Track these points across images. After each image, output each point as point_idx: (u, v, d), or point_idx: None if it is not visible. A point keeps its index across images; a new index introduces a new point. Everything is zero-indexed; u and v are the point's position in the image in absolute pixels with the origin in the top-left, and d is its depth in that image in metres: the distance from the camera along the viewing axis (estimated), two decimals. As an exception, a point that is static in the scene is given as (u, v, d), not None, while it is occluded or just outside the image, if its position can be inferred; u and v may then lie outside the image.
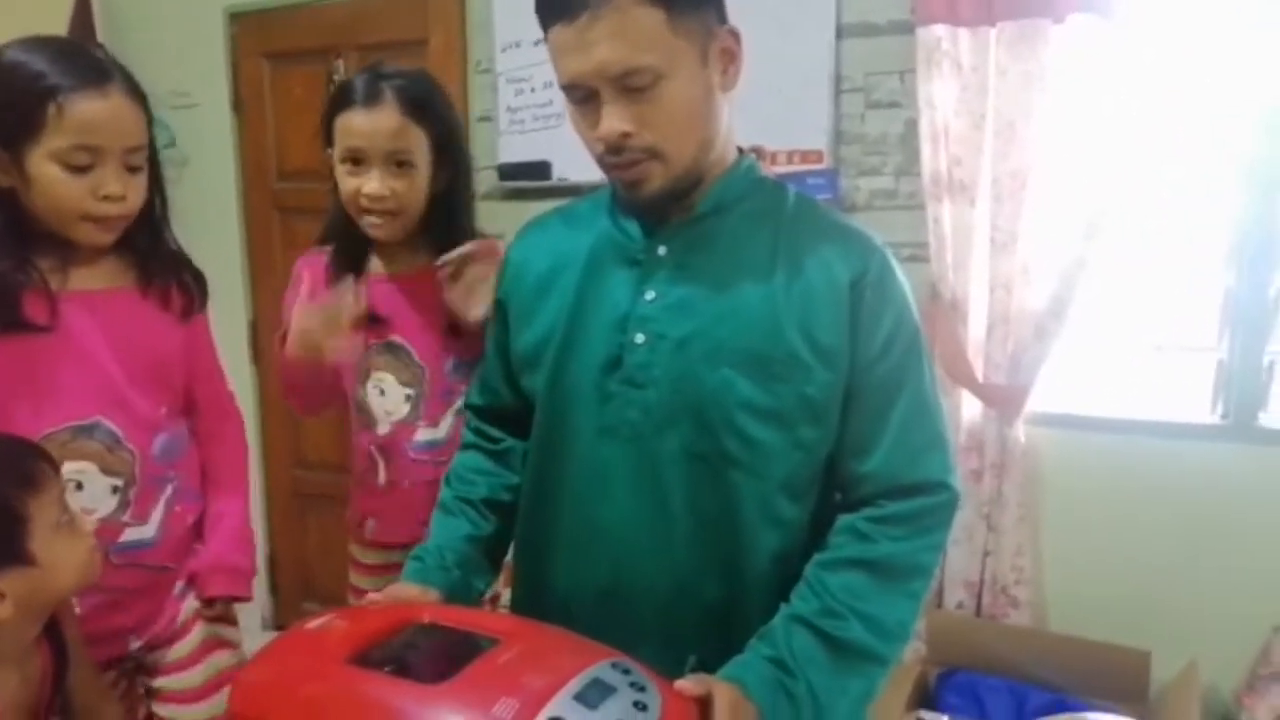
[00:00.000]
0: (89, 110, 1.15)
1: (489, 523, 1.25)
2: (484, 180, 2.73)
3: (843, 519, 1.09)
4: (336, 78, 2.86)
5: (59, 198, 1.17)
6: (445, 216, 1.49)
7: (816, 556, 1.07)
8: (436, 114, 1.44)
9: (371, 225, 1.45)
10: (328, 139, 1.45)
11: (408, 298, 1.50)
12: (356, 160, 1.41)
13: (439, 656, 0.93)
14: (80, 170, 1.17)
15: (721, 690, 0.96)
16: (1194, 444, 2.10)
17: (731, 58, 1.06)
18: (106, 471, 1.23)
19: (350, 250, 1.52)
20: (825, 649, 1.02)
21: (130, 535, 1.26)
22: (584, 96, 1.02)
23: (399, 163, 1.41)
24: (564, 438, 1.15)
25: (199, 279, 1.37)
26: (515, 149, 2.63)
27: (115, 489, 1.24)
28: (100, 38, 3.18)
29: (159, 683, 1.35)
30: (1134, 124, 1.97)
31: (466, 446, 1.32)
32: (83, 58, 1.19)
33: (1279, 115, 1.94)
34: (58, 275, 1.22)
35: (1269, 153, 1.98)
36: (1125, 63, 1.95)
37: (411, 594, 1.11)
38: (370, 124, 1.39)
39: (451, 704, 0.85)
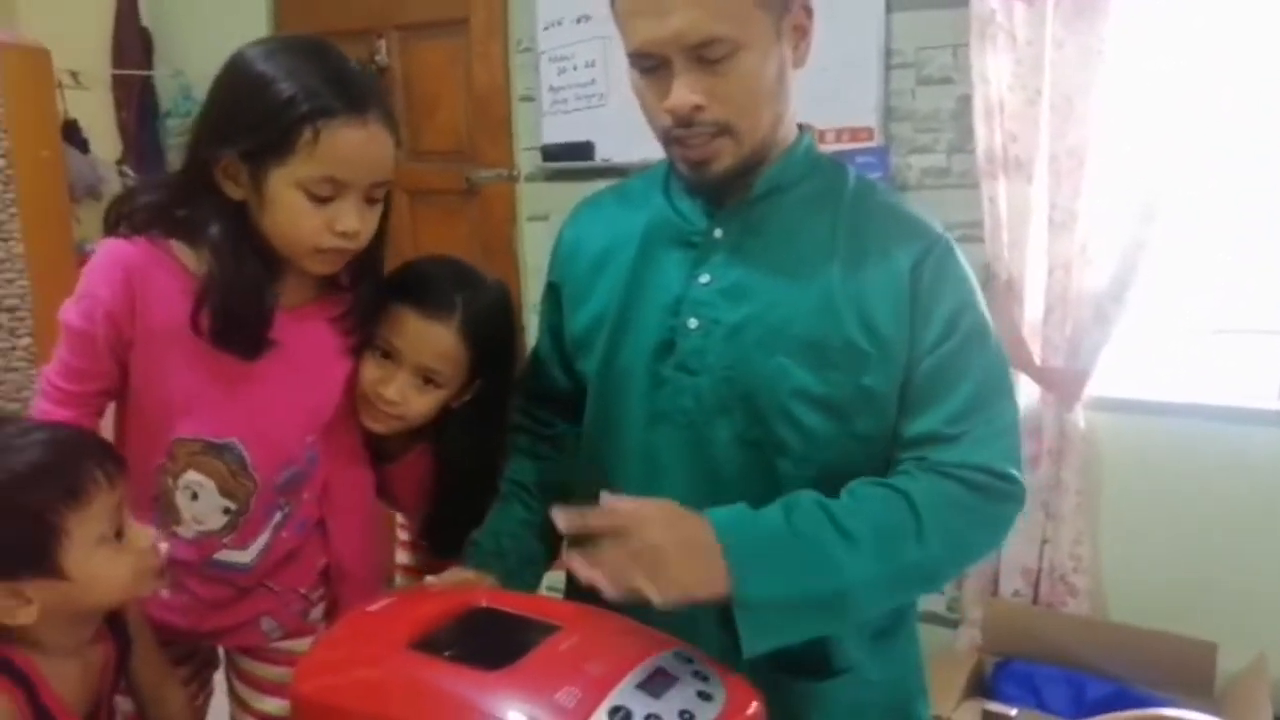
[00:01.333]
0: (347, 143, 1.05)
1: (542, 506, 1.22)
2: (527, 161, 2.72)
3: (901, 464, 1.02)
4: (378, 58, 2.86)
5: (295, 227, 1.08)
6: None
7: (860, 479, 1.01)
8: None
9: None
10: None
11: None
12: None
13: (500, 643, 0.91)
14: (322, 201, 1.07)
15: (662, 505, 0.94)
16: (1259, 429, 2.03)
17: (804, 34, 1.02)
18: (224, 493, 1.19)
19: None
20: (829, 520, 0.95)
21: (226, 556, 1.22)
22: (654, 65, 0.98)
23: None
24: (616, 423, 1.13)
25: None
26: (558, 129, 2.60)
27: (227, 510, 1.20)
28: (144, 16, 3.21)
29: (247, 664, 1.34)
30: (1197, 99, 1.90)
31: (516, 429, 1.29)
32: (347, 80, 1.08)
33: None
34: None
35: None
36: (1188, 35, 1.88)
37: (468, 578, 1.09)
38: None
39: (513, 691, 0.83)
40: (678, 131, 1.00)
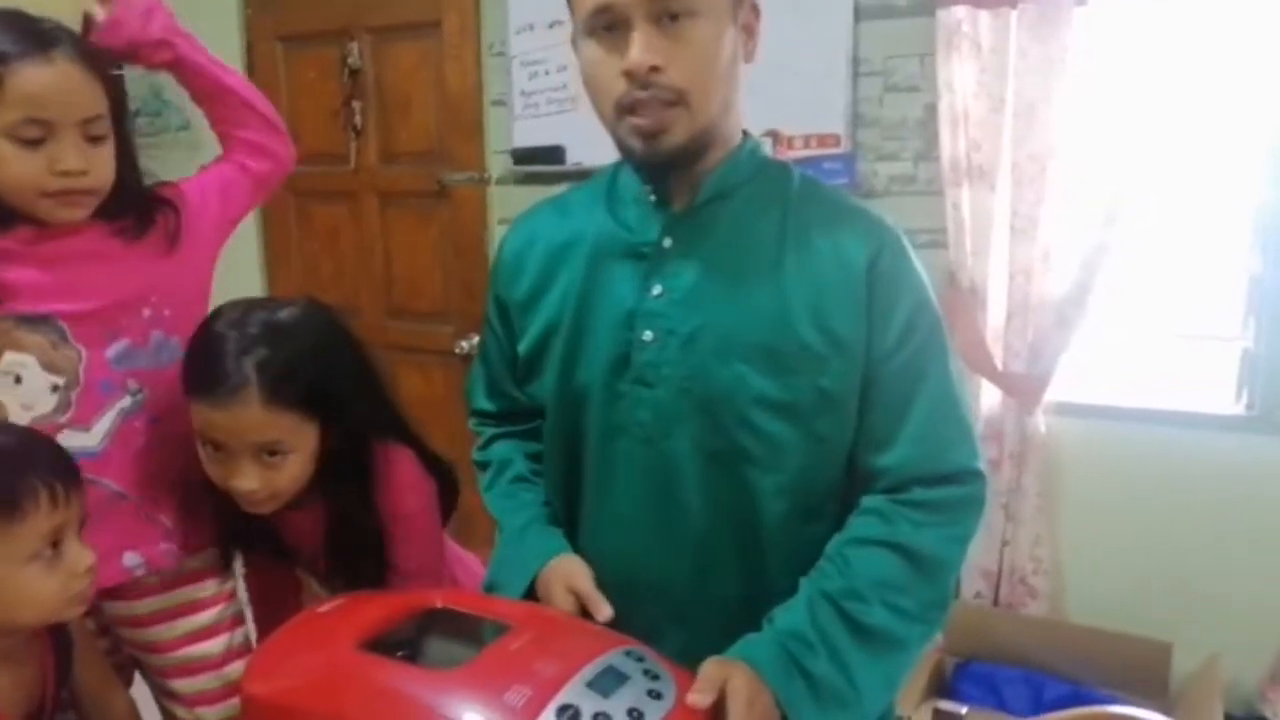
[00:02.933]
0: (34, 80, 1.07)
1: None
2: (498, 164, 2.72)
3: (867, 500, 1.05)
4: (350, 60, 2.85)
5: (14, 176, 1.10)
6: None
7: (841, 534, 1.04)
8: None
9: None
10: None
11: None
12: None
13: (451, 643, 0.92)
14: (33, 144, 1.09)
15: (737, 679, 0.92)
16: (1218, 435, 2.07)
17: (751, 32, 1.03)
18: (47, 367, 1.16)
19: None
20: (848, 629, 0.98)
21: (69, 439, 1.16)
22: (611, 23, 0.97)
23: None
24: (574, 439, 1.12)
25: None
26: (529, 133, 2.61)
27: (55, 387, 1.17)
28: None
29: (170, 657, 1.31)
30: (1156, 107, 1.94)
31: (492, 440, 1.27)
32: (23, 25, 1.11)
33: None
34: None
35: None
36: (1148, 45, 1.91)
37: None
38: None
39: (463, 691, 0.84)
40: (634, 95, 0.98)
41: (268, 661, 0.97)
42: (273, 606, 1.37)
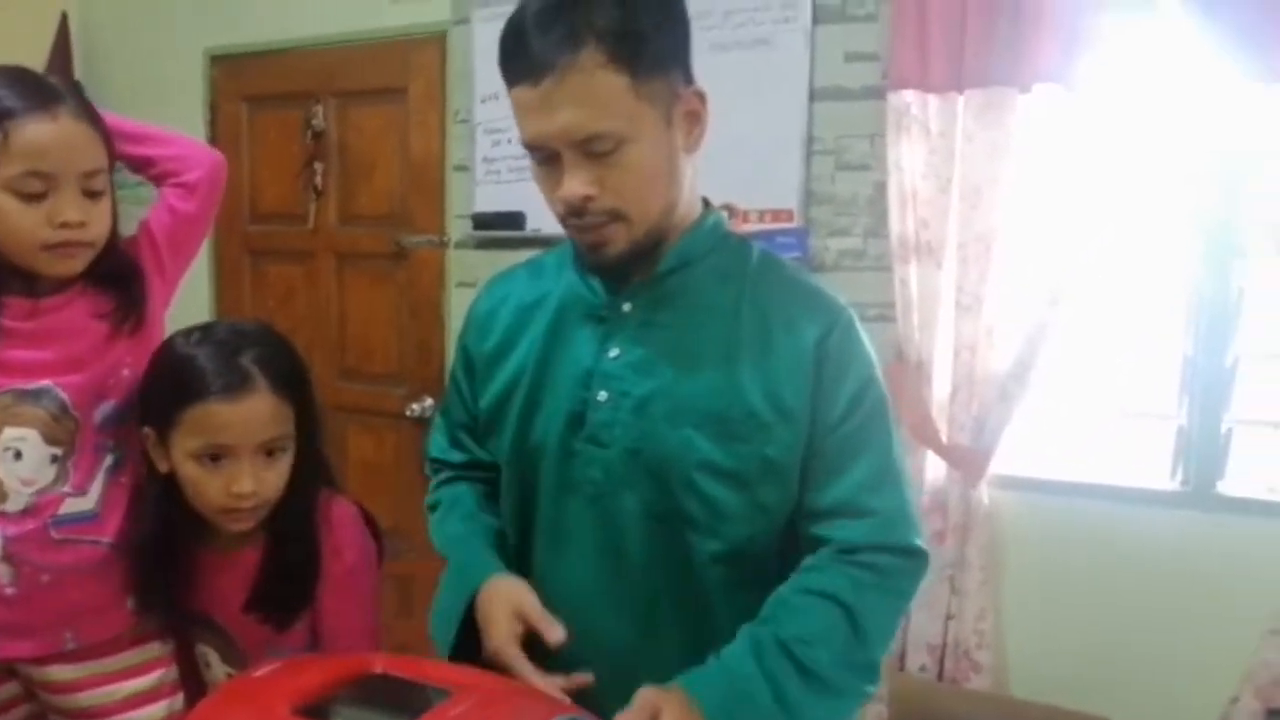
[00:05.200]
0: (37, 134, 1.11)
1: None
2: (458, 228, 2.74)
3: (812, 558, 1.06)
4: (314, 122, 2.88)
5: (15, 229, 1.14)
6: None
7: (785, 584, 1.05)
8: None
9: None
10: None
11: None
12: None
13: (387, 709, 0.91)
14: (35, 199, 1.13)
15: (669, 710, 0.92)
16: (1154, 510, 2.11)
17: (696, 119, 1.05)
18: (49, 440, 1.18)
19: None
20: (795, 671, 0.98)
21: (70, 508, 1.19)
22: (546, 157, 1.00)
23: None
24: (529, 494, 1.14)
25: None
26: (490, 199, 2.64)
27: (55, 458, 1.19)
28: (78, 77, 3.19)
29: (79, 698, 1.26)
30: (1096, 192, 2.02)
31: (446, 482, 1.28)
32: (28, 82, 1.15)
33: (1234, 186, 1.99)
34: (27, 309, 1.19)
35: (1224, 221, 2.03)
36: (1088, 131, 2.00)
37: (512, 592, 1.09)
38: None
39: (398, 759, 0.83)
40: (572, 220, 1.02)
41: None
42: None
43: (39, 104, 1.13)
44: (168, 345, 1.22)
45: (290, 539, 1.23)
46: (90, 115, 1.18)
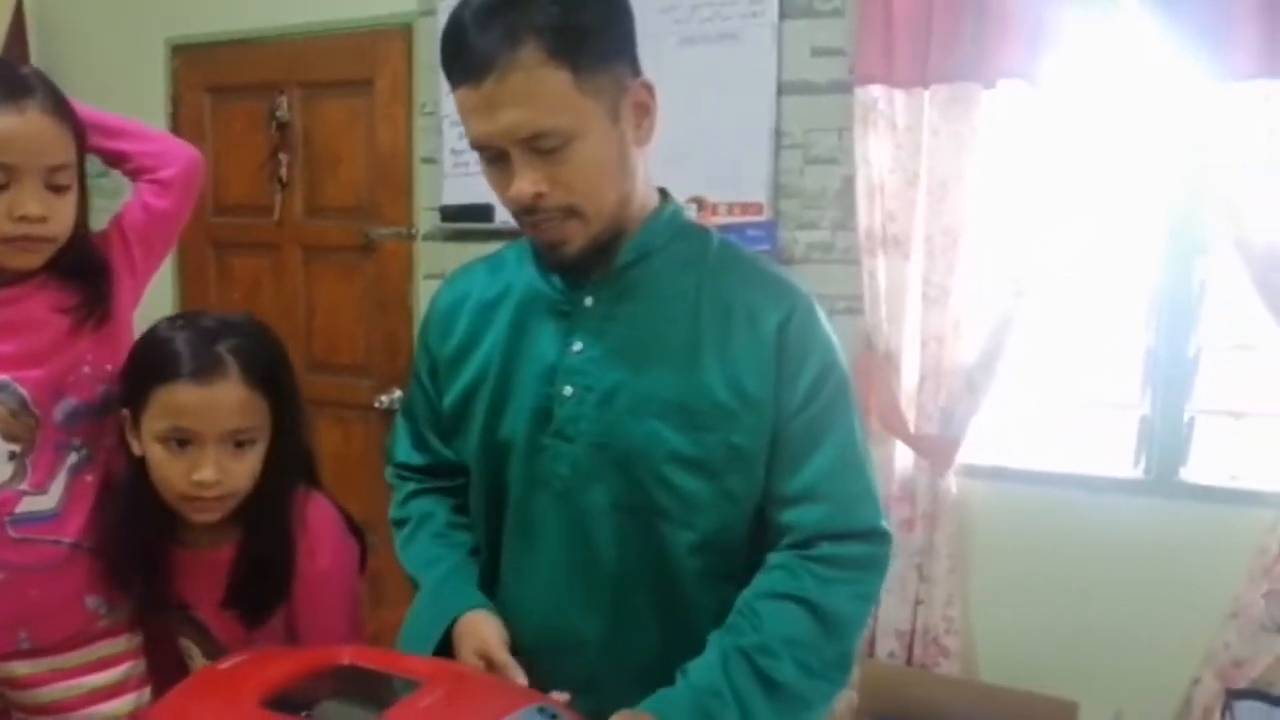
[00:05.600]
0: (2, 126, 1.09)
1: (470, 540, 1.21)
2: (426, 220, 2.73)
3: (774, 556, 1.06)
4: (279, 113, 2.85)
5: None
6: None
7: (750, 588, 1.05)
8: None
9: None
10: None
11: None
12: None
13: (356, 701, 0.90)
14: None
15: None
16: (1118, 498, 2.15)
17: (645, 111, 1.03)
18: (6, 436, 1.15)
19: None
20: (760, 685, 0.99)
21: (28, 506, 1.17)
22: (494, 156, 0.99)
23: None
24: (498, 492, 1.13)
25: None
26: (458, 191, 2.63)
27: (12, 455, 1.16)
28: (34, 62, 3.13)
29: (41, 693, 1.24)
30: (1060, 185, 2.04)
31: (412, 496, 1.26)
32: None
33: (1196, 181, 2.02)
34: None
35: (1186, 215, 2.06)
36: (1052, 126, 2.03)
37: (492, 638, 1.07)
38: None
39: (368, 750, 0.82)
40: (526, 218, 1.01)
41: (166, 719, 0.94)
42: (160, 675, 1.32)
43: (6, 96, 1.10)
44: (151, 329, 1.21)
45: (265, 537, 1.22)
46: (60, 109, 1.15)
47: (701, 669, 1.00)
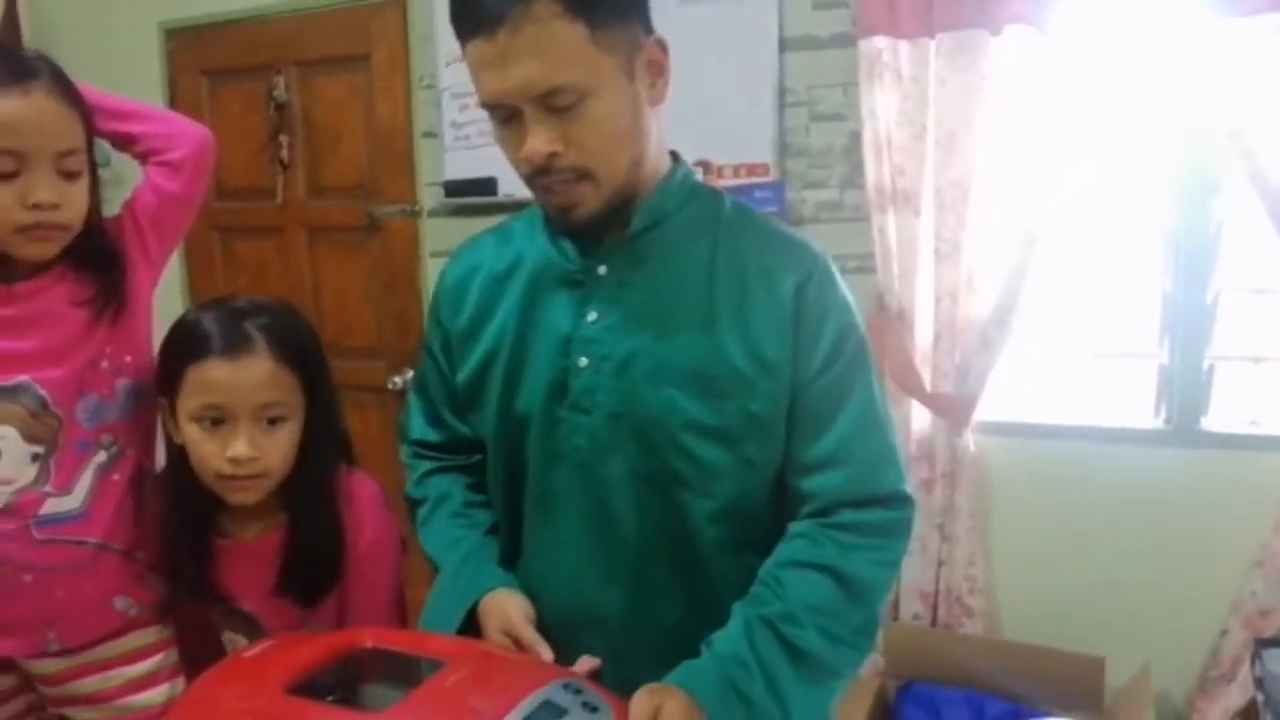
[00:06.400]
0: (7, 111, 1.07)
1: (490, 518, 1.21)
2: (429, 196, 2.70)
3: (797, 524, 1.05)
4: (276, 94, 2.82)
5: None
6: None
7: (773, 558, 1.04)
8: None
9: None
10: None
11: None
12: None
13: (383, 683, 0.90)
14: (6, 178, 1.09)
15: (669, 706, 0.92)
16: (1139, 449, 2.13)
17: (659, 70, 1.01)
18: (29, 438, 1.15)
19: None
20: (785, 654, 0.98)
21: (53, 507, 1.17)
22: (507, 116, 0.97)
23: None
24: (517, 467, 1.12)
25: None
26: (460, 165, 2.60)
27: (35, 456, 1.16)
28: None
29: (75, 686, 1.24)
30: (1070, 133, 2.00)
31: (428, 475, 1.25)
32: (2, 57, 1.12)
33: (1208, 122, 1.98)
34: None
35: (1199, 159, 2.02)
36: (1061, 73, 1.98)
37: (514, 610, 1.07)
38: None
39: (396, 732, 0.82)
40: (539, 179, 0.99)
41: (193, 707, 0.94)
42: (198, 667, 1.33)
43: (11, 79, 1.08)
44: (183, 315, 1.21)
45: (311, 519, 1.22)
46: (68, 93, 1.13)
47: (726, 640, 0.99)
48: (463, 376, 1.16)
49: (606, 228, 1.05)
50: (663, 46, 1.01)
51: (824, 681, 1.02)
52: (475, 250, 1.19)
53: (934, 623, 2.22)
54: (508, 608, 1.06)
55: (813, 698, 1.01)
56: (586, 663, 1.01)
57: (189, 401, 1.15)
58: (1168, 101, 2.03)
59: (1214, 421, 2.10)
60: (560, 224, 1.06)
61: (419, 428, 1.25)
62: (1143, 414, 2.17)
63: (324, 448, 1.24)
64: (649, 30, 1.00)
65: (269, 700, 0.87)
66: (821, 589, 1.00)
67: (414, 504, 1.24)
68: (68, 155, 1.13)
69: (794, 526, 1.05)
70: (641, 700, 0.92)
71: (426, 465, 1.25)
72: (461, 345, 1.16)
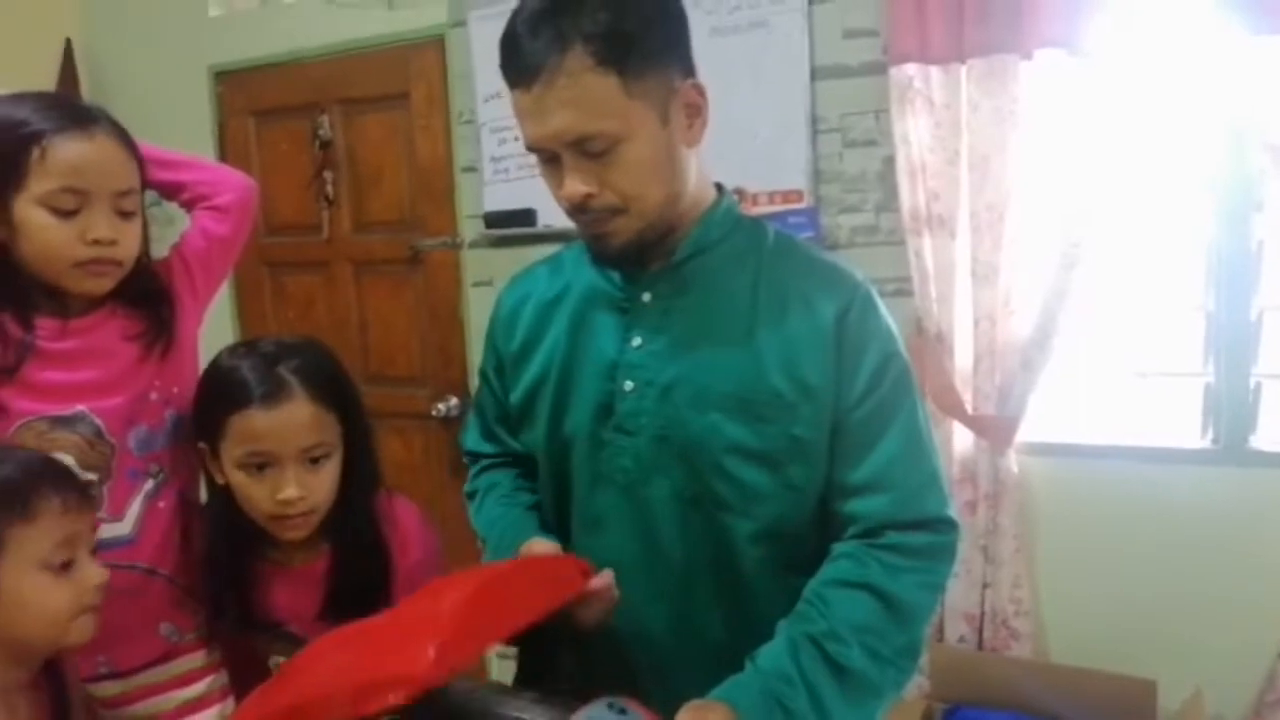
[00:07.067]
0: (73, 152, 1.14)
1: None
2: (470, 228, 2.76)
3: (843, 545, 1.07)
4: (321, 132, 2.90)
5: (47, 244, 1.16)
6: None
7: (817, 577, 1.05)
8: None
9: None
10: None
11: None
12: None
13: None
14: (68, 215, 1.15)
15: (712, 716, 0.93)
16: (1187, 469, 2.10)
17: (696, 111, 1.06)
18: (85, 466, 1.19)
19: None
20: (829, 671, 0.99)
21: (105, 533, 1.20)
22: (548, 158, 1.03)
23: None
24: (564, 487, 1.16)
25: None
26: (500, 197, 2.65)
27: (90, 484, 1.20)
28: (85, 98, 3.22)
29: (131, 710, 1.28)
30: (1106, 154, 2.00)
31: (483, 471, 1.30)
32: (66, 103, 1.20)
33: (1247, 139, 1.96)
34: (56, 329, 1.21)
35: (1238, 176, 2.01)
36: (1094, 95, 1.98)
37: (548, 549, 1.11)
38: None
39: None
40: (578, 215, 1.05)
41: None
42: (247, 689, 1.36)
43: (77, 123, 1.16)
44: (215, 360, 1.26)
45: (355, 543, 1.27)
46: (125, 137, 1.21)
47: (770, 656, 1.00)
48: (515, 397, 1.21)
49: (651, 257, 1.09)
50: (700, 90, 1.06)
51: (867, 701, 1.02)
52: (528, 279, 1.25)
53: (980, 645, 2.20)
54: (544, 546, 1.11)
55: (856, 716, 1.01)
56: (603, 578, 1.06)
57: (233, 450, 1.19)
58: (1205, 120, 2.01)
59: (1262, 440, 2.07)
60: (596, 254, 1.11)
61: (474, 441, 1.32)
62: (1189, 433, 2.14)
63: (363, 473, 1.28)
64: (688, 73, 1.05)
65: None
66: (867, 608, 1.01)
67: (469, 497, 1.30)
68: (125, 195, 1.20)
69: (839, 547, 1.07)
70: (685, 717, 0.93)
71: (483, 463, 1.31)
72: (514, 368, 1.21)
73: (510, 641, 1.09)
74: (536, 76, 0.97)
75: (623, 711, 0.92)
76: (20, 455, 1.06)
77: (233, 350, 1.25)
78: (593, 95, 0.97)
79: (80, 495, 1.06)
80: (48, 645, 1.05)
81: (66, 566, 1.02)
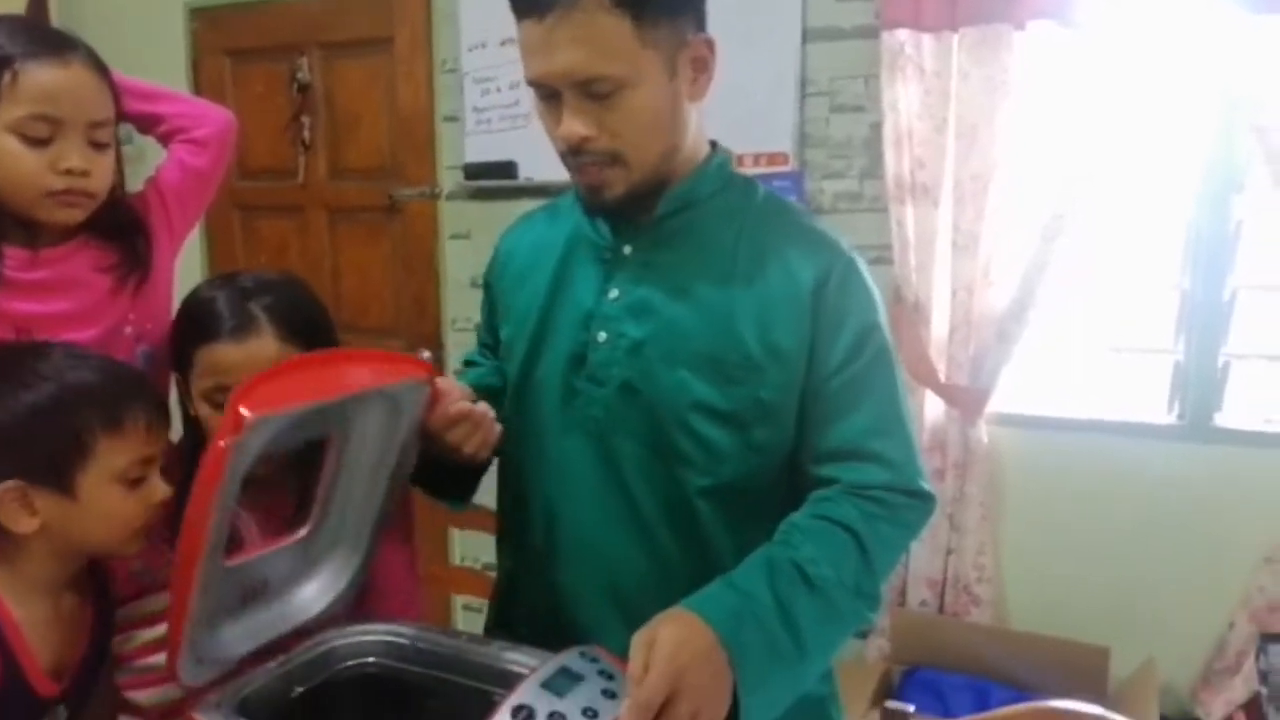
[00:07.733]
0: (47, 78, 1.11)
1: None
2: (449, 179, 2.72)
3: (823, 491, 1.05)
4: (299, 75, 2.84)
5: (18, 172, 1.12)
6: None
7: (797, 512, 1.04)
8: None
9: None
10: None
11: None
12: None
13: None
14: (40, 143, 1.12)
15: (662, 631, 0.87)
16: (1152, 444, 2.14)
17: (703, 66, 1.05)
18: None
19: None
20: (805, 589, 0.97)
21: None
22: (547, 94, 1.01)
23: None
24: (531, 431, 1.16)
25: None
26: (481, 148, 2.62)
27: None
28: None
29: (131, 667, 1.25)
30: (1092, 128, 2.01)
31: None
32: (41, 29, 1.17)
33: (1230, 121, 1.98)
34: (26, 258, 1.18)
35: (1221, 158, 2.03)
36: (1084, 68, 1.99)
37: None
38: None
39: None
40: (571, 159, 1.03)
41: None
42: None
43: (51, 49, 1.12)
44: (193, 292, 1.23)
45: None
46: (101, 67, 1.17)
47: (741, 571, 0.98)
48: (502, 334, 1.22)
49: (639, 209, 1.08)
50: (710, 45, 1.04)
51: (834, 625, 1.00)
52: (528, 222, 1.25)
53: (941, 610, 2.24)
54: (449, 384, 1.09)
55: (824, 636, 0.99)
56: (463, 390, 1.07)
57: (201, 382, 1.17)
58: (1191, 98, 2.03)
59: (1227, 418, 2.11)
60: (587, 204, 1.10)
61: (472, 352, 1.34)
62: (1156, 409, 2.17)
63: None
64: (700, 27, 1.04)
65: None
66: (844, 543, 1.00)
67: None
68: (98, 126, 1.16)
69: (819, 491, 1.05)
70: (635, 641, 0.88)
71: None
72: (500, 307, 1.22)
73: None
74: (550, 8, 0.94)
75: (594, 660, 0.93)
76: (110, 366, 1.06)
77: (211, 282, 1.23)
78: (605, 36, 0.95)
79: (164, 418, 1.07)
80: (107, 553, 1.08)
81: (138, 483, 1.03)
